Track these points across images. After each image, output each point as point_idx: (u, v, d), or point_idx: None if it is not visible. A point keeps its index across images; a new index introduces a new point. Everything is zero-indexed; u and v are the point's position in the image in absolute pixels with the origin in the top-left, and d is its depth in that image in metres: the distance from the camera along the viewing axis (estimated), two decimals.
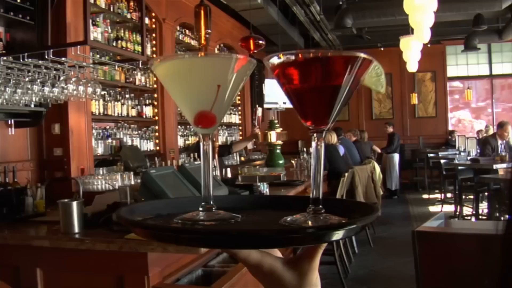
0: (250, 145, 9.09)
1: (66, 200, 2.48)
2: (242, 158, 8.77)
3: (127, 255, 2.22)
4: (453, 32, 11.34)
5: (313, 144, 0.60)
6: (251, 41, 4.45)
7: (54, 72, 2.95)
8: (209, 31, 3.57)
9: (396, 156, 10.52)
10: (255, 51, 4.63)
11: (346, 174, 4.96)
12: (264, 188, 3.41)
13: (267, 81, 11.87)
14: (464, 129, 13.23)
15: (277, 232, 0.53)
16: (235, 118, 9.23)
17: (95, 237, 2.32)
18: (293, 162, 6.17)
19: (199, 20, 3.48)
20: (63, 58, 2.73)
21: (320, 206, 0.58)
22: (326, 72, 0.57)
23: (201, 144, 0.61)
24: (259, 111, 4.89)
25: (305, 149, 9.18)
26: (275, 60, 0.58)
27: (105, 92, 5.51)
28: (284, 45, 9.98)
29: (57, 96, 2.76)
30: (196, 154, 4.60)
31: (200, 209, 0.60)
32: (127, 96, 5.91)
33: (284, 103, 12.23)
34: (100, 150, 5.28)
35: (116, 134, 5.67)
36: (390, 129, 10.69)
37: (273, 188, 4.04)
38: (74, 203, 2.44)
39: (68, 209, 2.44)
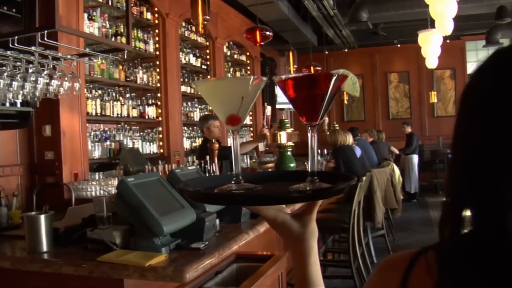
0: (261, 147, 8.65)
1: (32, 213, 2.10)
2: (254, 161, 8.36)
3: (99, 281, 1.83)
4: (473, 26, 10.82)
5: (309, 134, 0.83)
6: (258, 33, 4.00)
7: (31, 65, 2.57)
8: (207, 17, 3.17)
9: (415, 158, 10.01)
10: (262, 43, 4.20)
11: (364, 178, 4.53)
12: None
13: None
14: None
15: (285, 193, 0.77)
16: (246, 119, 8.82)
17: (64, 258, 1.93)
18: (306, 164, 5.77)
19: (196, 6, 3.08)
20: (32, 47, 2.35)
21: (315, 177, 0.82)
22: (315, 84, 0.80)
23: (231, 137, 0.85)
24: (268, 110, 4.47)
25: (319, 151, 8.76)
26: (280, 78, 0.81)
27: (103, 91, 5.15)
28: (296, 43, 9.54)
29: (28, 91, 2.38)
30: (194, 157, 4.22)
31: (233, 182, 0.83)
32: (127, 95, 5.54)
33: None
34: (97, 154, 4.91)
35: (116, 136, 5.30)
36: (409, 129, 10.19)
37: None
38: (42, 217, 2.05)
39: (34, 224, 2.05)
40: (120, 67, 5.36)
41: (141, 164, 5.16)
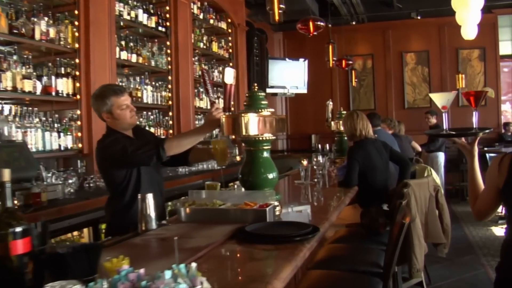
0: (236, 153, 6.36)
1: None
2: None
3: None
4: None
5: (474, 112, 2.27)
6: None
7: None
8: None
9: (441, 156, 7.95)
10: None
11: (405, 198, 2.49)
12: None
13: (272, 61, 9.37)
14: None
15: (466, 133, 2.37)
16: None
17: None
18: (303, 163, 3.69)
19: None
20: None
21: (476, 128, 2.30)
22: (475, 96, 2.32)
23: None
24: (229, 73, 2.39)
25: (319, 145, 6.68)
26: (466, 91, 2.28)
27: None
28: (292, 12, 7.38)
29: None
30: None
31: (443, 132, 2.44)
32: (14, 58, 3.47)
33: (297, 87, 9.75)
34: None
35: None
36: (434, 120, 8.11)
37: (243, 257, 1.61)
38: None
39: None
40: (0, 12, 3.30)
41: (25, 170, 3.15)
